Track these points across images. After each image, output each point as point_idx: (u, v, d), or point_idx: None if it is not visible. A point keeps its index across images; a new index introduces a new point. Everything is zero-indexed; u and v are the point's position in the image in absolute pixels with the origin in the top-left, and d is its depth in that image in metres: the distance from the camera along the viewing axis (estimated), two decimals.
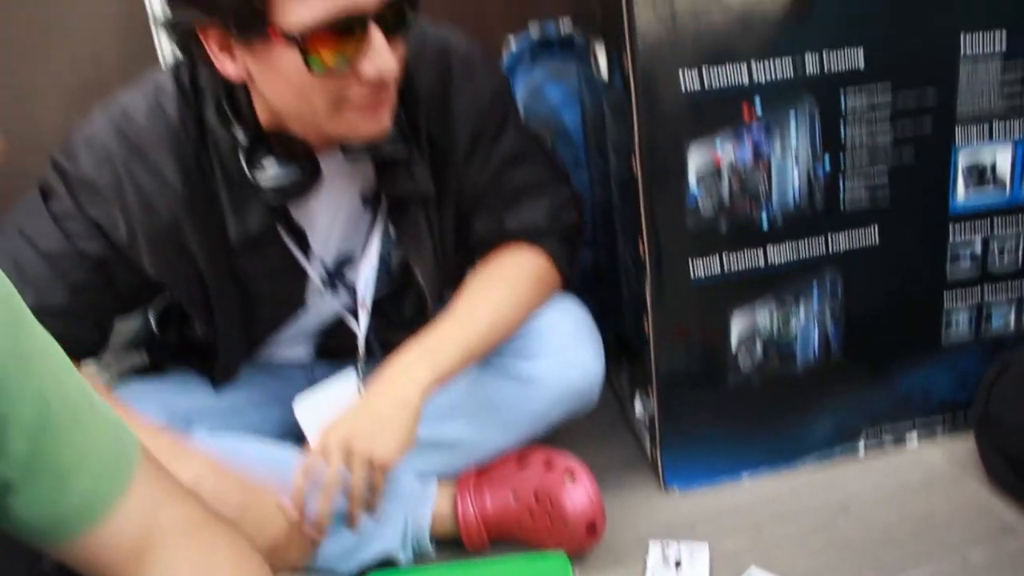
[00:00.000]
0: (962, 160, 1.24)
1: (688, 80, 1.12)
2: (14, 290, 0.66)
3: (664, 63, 1.12)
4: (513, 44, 1.70)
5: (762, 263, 1.23)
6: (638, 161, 1.16)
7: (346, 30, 0.95)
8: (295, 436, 1.39)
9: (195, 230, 1.13)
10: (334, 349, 1.39)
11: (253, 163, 1.08)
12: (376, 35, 0.96)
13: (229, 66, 1.01)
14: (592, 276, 1.60)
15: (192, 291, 1.18)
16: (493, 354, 1.25)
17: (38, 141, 1.59)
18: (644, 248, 1.21)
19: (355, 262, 1.27)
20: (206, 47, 1.00)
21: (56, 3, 1.59)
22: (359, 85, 0.99)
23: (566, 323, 1.28)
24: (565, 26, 1.68)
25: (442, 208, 1.24)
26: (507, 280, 1.23)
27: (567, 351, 1.26)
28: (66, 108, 1.61)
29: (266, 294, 1.22)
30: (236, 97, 1.09)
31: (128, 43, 1.64)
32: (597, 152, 1.42)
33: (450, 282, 1.29)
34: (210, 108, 1.09)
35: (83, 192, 1.08)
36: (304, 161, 1.10)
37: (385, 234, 1.25)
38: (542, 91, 1.61)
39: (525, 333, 1.26)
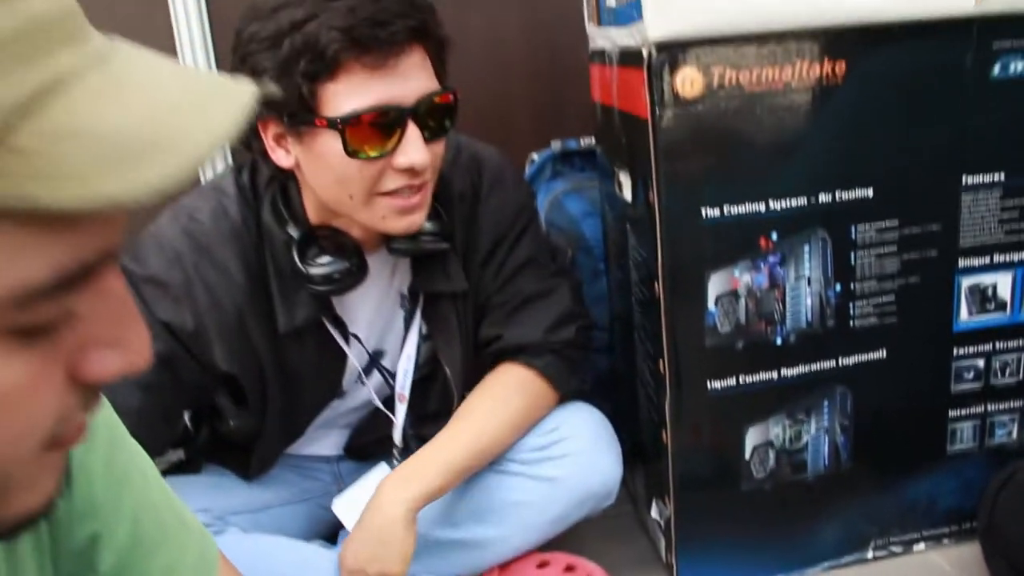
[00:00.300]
0: (965, 284, 1.31)
1: (709, 213, 1.20)
2: (112, 410, 0.68)
3: (688, 200, 1.20)
4: (535, 157, 1.79)
5: (775, 378, 1.30)
6: (661, 285, 1.23)
7: (383, 121, 1.06)
8: (323, 533, 1.45)
9: (255, 322, 1.20)
10: (362, 444, 1.45)
11: (305, 257, 1.17)
12: (411, 129, 1.07)
13: (282, 156, 1.12)
14: (608, 382, 1.66)
15: (254, 381, 1.25)
16: (517, 459, 1.32)
17: None
18: (664, 364, 1.28)
19: (390, 355, 1.34)
20: (264, 139, 1.11)
21: None
22: (393, 174, 1.09)
23: (587, 429, 1.34)
24: (586, 140, 1.77)
25: (468, 306, 1.32)
26: (495, 399, 1.31)
27: (588, 456, 1.33)
28: None
29: (308, 381, 1.29)
30: (289, 196, 1.19)
31: None
32: (617, 264, 1.49)
33: (477, 376, 1.37)
34: (266, 208, 1.19)
35: (151, 293, 1.16)
36: (353, 256, 1.18)
37: (418, 329, 1.33)
38: (563, 203, 1.69)
39: (549, 438, 1.32)
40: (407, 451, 1.35)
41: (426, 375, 1.37)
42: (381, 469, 1.36)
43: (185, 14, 1.67)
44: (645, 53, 1.15)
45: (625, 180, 1.34)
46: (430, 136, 1.10)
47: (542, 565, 1.35)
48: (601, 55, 1.39)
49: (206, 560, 0.75)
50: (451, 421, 1.29)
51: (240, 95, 0.39)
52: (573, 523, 1.36)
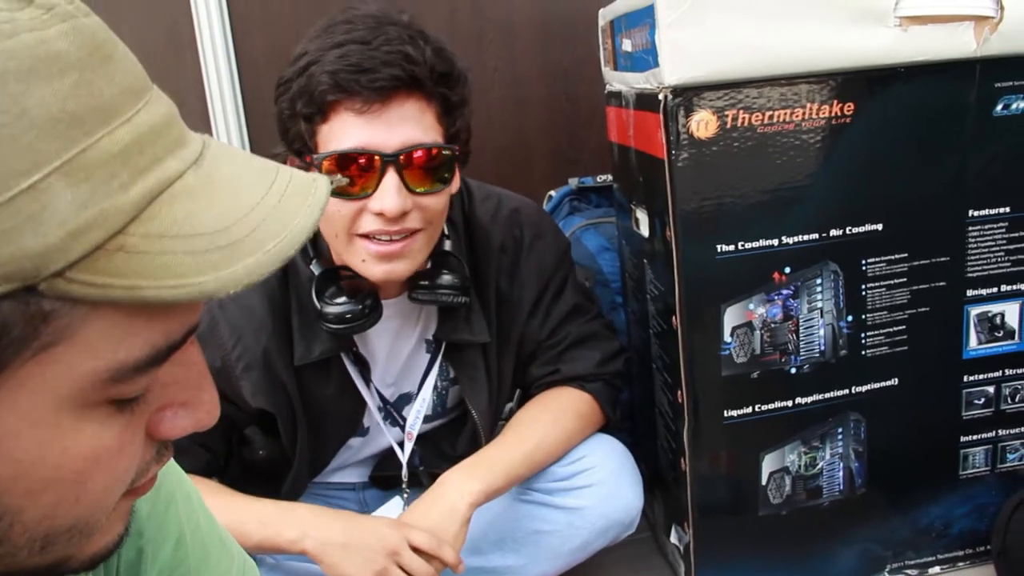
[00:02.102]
0: (973, 314, 1.35)
1: (724, 248, 1.25)
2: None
3: (703, 236, 1.25)
4: (553, 193, 1.85)
5: (790, 406, 1.34)
6: (679, 318, 1.28)
7: (361, 163, 1.11)
8: None
9: (279, 356, 1.25)
10: (386, 477, 1.49)
11: (323, 295, 1.21)
12: (389, 175, 1.11)
13: None
14: (627, 411, 1.70)
15: (285, 413, 1.29)
16: (542, 488, 1.36)
17: None
18: (682, 394, 1.32)
19: (413, 399, 1.38)
20: None
21: None
22: (369, 216, 1.14)
23: (610, 461, 1.39)
24: (601, 177, 1.82)
25: (502, 353, 1.37)
26: (553, 413, 1.36)
27: (611, 486, 1.37)
28: None
29: (331, 415, 1.33)
30: (316, 234, 1.23)
31: (183, 94, 1.77)
32: (635, 297, 1.54)
33: (503, 420, 1.41)
34: None
35: None
36: (367, 298, 1.22)
37: (443, 373, 1.37)
38: (580, 239, 1.74)
39: (572, 469, 1.37)
40: (416, 487, 1.40)
41: (455, 418, 1.42)
42: (395, 503, 1.41)
43: (214, 57, 1.73)
44: (661, 97, 1.20)
45: (642, 217, 1.39)
46: (416, 186, 1.13)
47: None
48: (618, 97, 1.45)
49: None
50: (508, 428, 1.35)
51: (316, 189, 0.44)
52: (595, 551, 1.40)
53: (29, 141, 0.36)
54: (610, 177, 1.67)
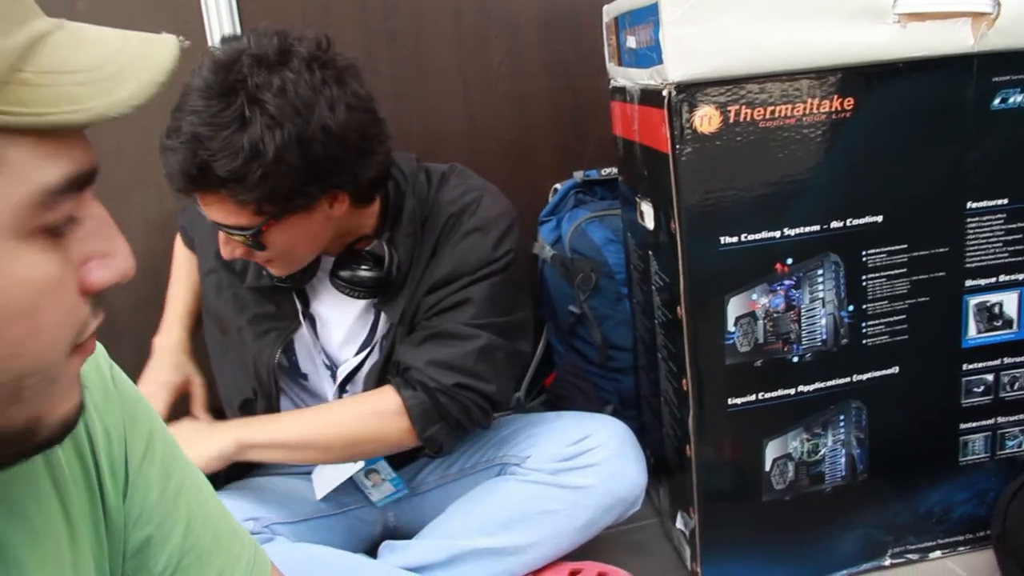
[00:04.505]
0: (972, 303, 1.38)
1: (728, 240, 1.28)
2: (166, 430, 0.77)
3: (707, 229, 1.27)
4: (559, 187, 1.87)
5: (793, 394, 1.37)
6: (683, 308, 1.31)
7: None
8: (364, 547, 1.52)
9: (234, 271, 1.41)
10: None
11: None
12: (219, 233, 1.27)
13: None
14: (633, 401, 1.74)
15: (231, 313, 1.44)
16: (547, 468, 1.40)
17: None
18: (687, 383, 1.35)
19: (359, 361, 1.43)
20: None
21: (138, 146, 1.75)
22: None
23: (613, 440, 1.43)
24: (606, 170, 1.85)
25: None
26: (351, 417, 1.35)
27: (614, 464, 1.41)
28: (149, 241, 1.77)
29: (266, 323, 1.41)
30: None
31: None
32: (640, 288, 1.57)
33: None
34: None
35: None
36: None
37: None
38: (585, 231, 1.77)
39: (576, 449, 1.41)
40: None
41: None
42: None
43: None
44: (665, 93, 1.23)
45: (647, 209, 1.42)
46: (241, 245, 1.26)
47: (574, 573, 1.42)
48: (622, 92, 1.47)
49: (258, 567, 0.81)
50: (311, 409, 1.39)
51: (168, 41, 0.53)
52: (601, 529, 1.44)
53: None
54: (615, 170, 1.70)
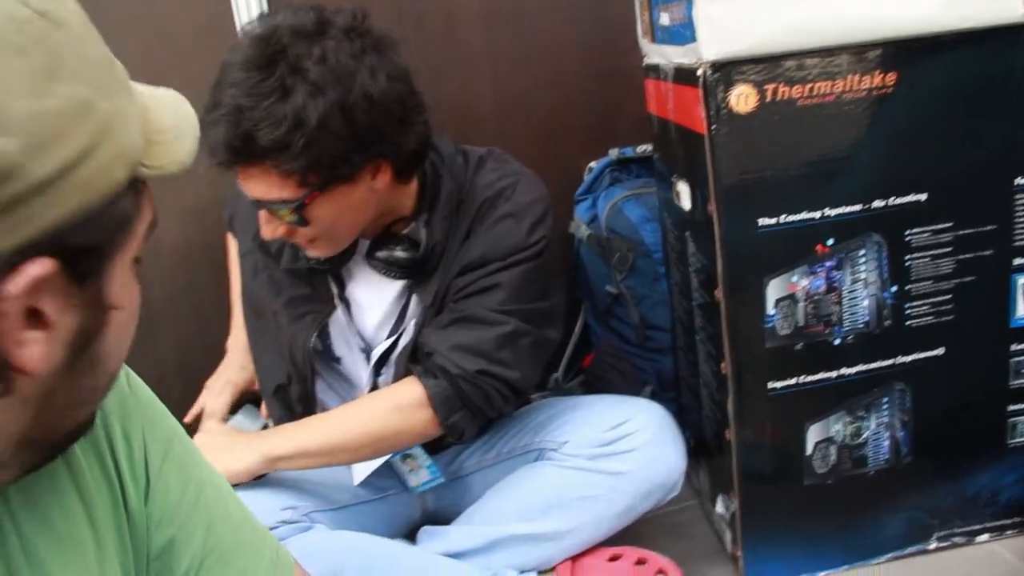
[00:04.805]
0: (1020, 282, 1.34)
1: (766, 222, 1.25)
2: (184, 433, 0.77)
3: (745, 210, 1.25)
4: (593, 165, 1.85)
5: (835, 377, 1.34)
6: (721, 292, 1.29)
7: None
8: (402, 531, 1.53)
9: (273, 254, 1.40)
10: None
11: None
12: (260, 212, 1.25)
13: None
14: (671, 381, 1.72)
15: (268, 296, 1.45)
16: (586, 454, 1.39)
17: (157, 260, 1.76)
18: (726, 366, 1.33)
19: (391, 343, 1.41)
20: None
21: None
22: None
23: (652, 424, 1.41)
24: (641, 147, 1.82)
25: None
26: (377, 411, 1.34)
27: (653, 449, 1.39)
28: (184, 226, 1.78)
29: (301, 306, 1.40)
30: None
31: None
32: (677, 268, 1.54)
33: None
34: None
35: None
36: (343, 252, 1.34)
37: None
38: (622, 210, 1.75)
39: (614, 434, 1.39)
40: None
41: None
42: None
43: None
44: (700, 72, 1.20)
45: (683, 189, 1.39)
46: (285, 222, 1.24)
47: (613, 559, 1.41)
48: (656, 70, 1.44)
49: (280, 565, 0.81)
50: (333, 412, 1.37)
51: (183, 98, 0.61)
52: (640, 514, 1.42)
53: (108, 71, 0.52)
54: (650, 147, 1.67)
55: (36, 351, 0.48)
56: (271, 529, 1.25)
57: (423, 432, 1.34)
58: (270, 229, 1.25)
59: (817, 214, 1.26)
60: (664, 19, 1.35)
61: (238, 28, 1.71)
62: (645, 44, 1.51)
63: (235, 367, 1.55)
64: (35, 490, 0.62)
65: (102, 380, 0.57)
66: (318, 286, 1.40)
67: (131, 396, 0.72)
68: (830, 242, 1.27)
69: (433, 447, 1.48)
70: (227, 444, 1.33)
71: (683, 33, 1.25)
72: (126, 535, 0.70)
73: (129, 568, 0.70)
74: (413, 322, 1.38)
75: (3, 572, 0.60)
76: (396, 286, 1.39)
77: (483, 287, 1.33)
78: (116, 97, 0.51)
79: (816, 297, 1.30)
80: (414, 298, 1.38)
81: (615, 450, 1.38)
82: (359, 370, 1.45)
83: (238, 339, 1.56)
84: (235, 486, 1.34)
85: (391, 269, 1.34)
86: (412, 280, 1.37)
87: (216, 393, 1.51)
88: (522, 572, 1.39)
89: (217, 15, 1.72)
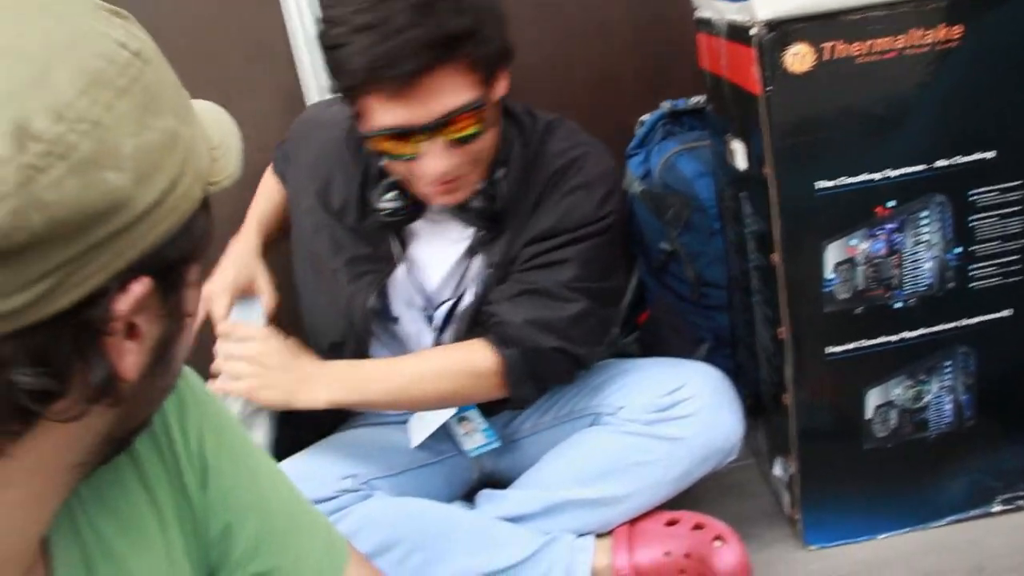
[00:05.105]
0: None
1: (824, 184, 1.21)
2: (234, 420, 0.79)
3: (802, 173, 1.21)
4: (645, 119, 1.80)
5: (895, 341, 1.31)
6: (778, 256, 1.26)
7: (400, 138, 1.19)
8: (461, 493, 1.54)
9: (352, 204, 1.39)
10: None
11: (378, 187, 1.33)
12: (428, 145, 1.19)
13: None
14: (728, 338, 1.69)
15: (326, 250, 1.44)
16: (642, 419, 1.38)
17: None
18: (784, 331, 1.30)
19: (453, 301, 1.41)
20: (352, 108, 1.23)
21: (225, 103, 1.76)
22: (419, 173, 1.22)
23: (709, 388, 1.39)
24: (694, 99, 1.77)
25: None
26: (447, 370, 1.34)
27: (710, 414, 1.37)
28: (235, 195, 1.78)
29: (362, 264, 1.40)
30: None
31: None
32: (732, 227, 1.51)
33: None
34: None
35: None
36: (413, 200, 1.32)
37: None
38: (675, 164, 1.71)
39: (671, 399, 1.38)
40: None
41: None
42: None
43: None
44: (754, 32, 1.15)
45: (738, 148, 1.35)
46: (457, 142, 1.20)
47: (671, 523, 1.41)
48: (708, 24, 1.40)
49: (335, 549, 0.83)
50: (406, 357, 1.38)
51: (222, 110, 0.65)
52: (697, 479, 1.41)
53: (183, 98, 0.56)
54: (703, 99, 1.63)
55: (131, 360, 0.53)
56: (331, 499, 1.29)
57: (488, 396, 1.37)
58: (443, 162, 1.20)
59: (877, 175, 1.22)
60: None
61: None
62: None
63: (234, 267, 1.48)
64: (102, 484, 0.65)
65: (171, 380, 0.62)
66: (380, 245, 1.39)
67: (186, 388, 0.74)
68: (891, 204, 1.23)
69: (488, 408, 1.48)
70: (292, 383, 1.30)
71: None
72: (188, 523, 0.73)
73: (193, 555, 0.73)
74: (475, 282, 1.38)
75: (81, 564, 0.63)
76: (460, 247, 1.38)
77: (553, 260, 1.33)
78: (191, 122, 0.56)
79: (876, 260, 1.26)
80: (478, 258, 1.37)
81: (672, 415, 1.36)
82: (418, 330, 1.45)
83: (243, 243, 1.52)
84: (295, 453, 1.39)
85: (468, 216, 1.33)
86: (480, 236, 1.36)
87: (215, 298, 1.44)
88: (580, 536, 1.39)
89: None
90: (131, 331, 0.53)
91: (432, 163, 1.20)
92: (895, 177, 1.22)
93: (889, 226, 1.24)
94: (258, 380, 1.28)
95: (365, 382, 1.34)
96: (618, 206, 1.36)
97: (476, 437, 1.47)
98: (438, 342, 1.42)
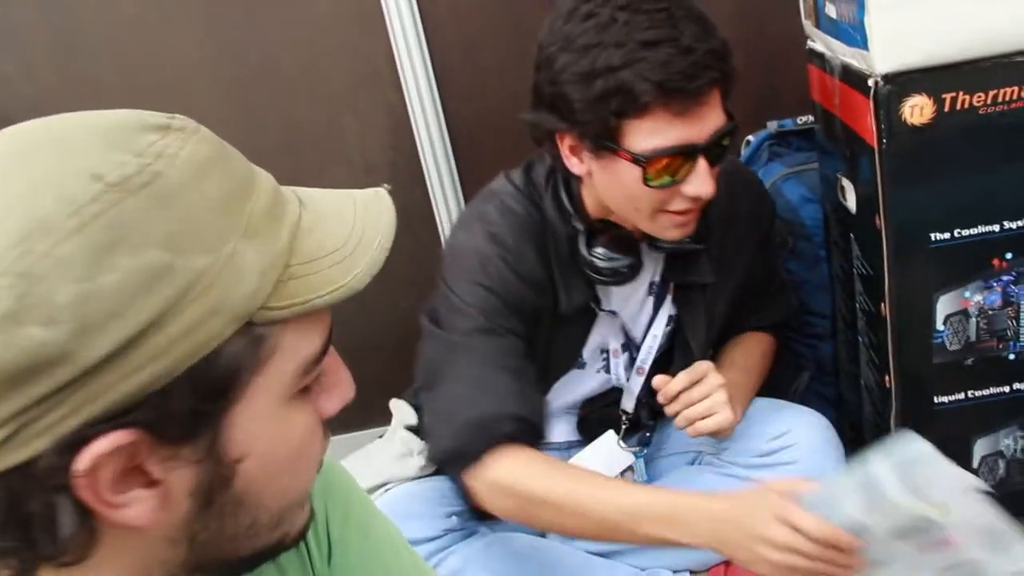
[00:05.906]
0: None
1: (939, 236, 1.18)
2: (355, 482, 0.80)
3: (916, 225, 1.18)
4: (751, 139, 1.77)
5: (1007, 392, 1.27)
6: (888, 307, 1.23)
7: (680, 158, 1.15)
8: None
9: (539, 299, 1.31)
10: (594, 424, 1.51)
11: (590, 248, 1.29)
12: (701, 163, 1.16)
13: (575, 164, 1.22)
14: (831, 367, 1.66)
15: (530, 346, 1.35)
16: (744, 463, 1.37)
17: None
18: (890, 380, 1.28)
19: (641, 339, 1.43)
20: (559, 146, 1.22)
21: (334, 122, 1.79)
22: (681, 199, 1.19)
23: (812, 436, 1.37)
24: (802, 119, 1.73)
25: (718, 293, 1.41)
26: (762, 355, 1.51)
27: (812, 463, 1.35)
28: None
29: (558, 353, 1.39)
30: (571, 192, 1.30)
31: (397, 153, 1.83)
32: (839, 262, 1.48)
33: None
34: (548, 202, 1.31)
35: (476, 295, 1.27)
36: (631, 252, 1.29)
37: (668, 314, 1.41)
38: (781, 189, 1.67)
39: (775, 445, 1.37)
40: (636, 420, 1.46)
41: (665, 352, 1.45)
42: (609, 436, 1.46)
43: (400, 21, 1.73)
44: (871, 83, 1.12)
45: (848, 188, 1.32)
46: (714, 163, 1.18)
47: None
48: (820, 59, 1.36)
49: None
50: (743, 358, 1.47)
51: (387, 206, 0.58)
52: None
53: (215, 220, 0.49)
54: (811, 118, 1.60)
55: (142, 509, 0.50)
56: (436, 538, 1.31)
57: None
58: (712, 182, 1.18)
59: (996, 227, 1.18)
60: (831, 11, 1.27)
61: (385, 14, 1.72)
62: (808, 26, 1.43)
63: None
64: None
65: (261, 515, 0.56)
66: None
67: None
68: (1008, 256, 1.19)
69: (591, 429, 1.50)
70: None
71: (852, 35, 1.17)
72: None
73: None
74: (664, 319, 1.41)
75: None
76: (640, 293, 1.40)
77: (773, 261, 1.54)
78: (220, 247, 0.49)
79: (990, 312, 1.22)
80: (667, 301, 1.41)
81: (775, 461, 1.35)
82: (618, 372, 1.46)
83: None
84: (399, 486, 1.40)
85: (688, 240, 1.29)
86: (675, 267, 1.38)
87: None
88: (676, 572, 1.40)
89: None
90: (143, 476, 0.50)
91: (702, 183, 1.17)
92: (1015, 229, 1.18)
93: (1006, 278, 1.20)
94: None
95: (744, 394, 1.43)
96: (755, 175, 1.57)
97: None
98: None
